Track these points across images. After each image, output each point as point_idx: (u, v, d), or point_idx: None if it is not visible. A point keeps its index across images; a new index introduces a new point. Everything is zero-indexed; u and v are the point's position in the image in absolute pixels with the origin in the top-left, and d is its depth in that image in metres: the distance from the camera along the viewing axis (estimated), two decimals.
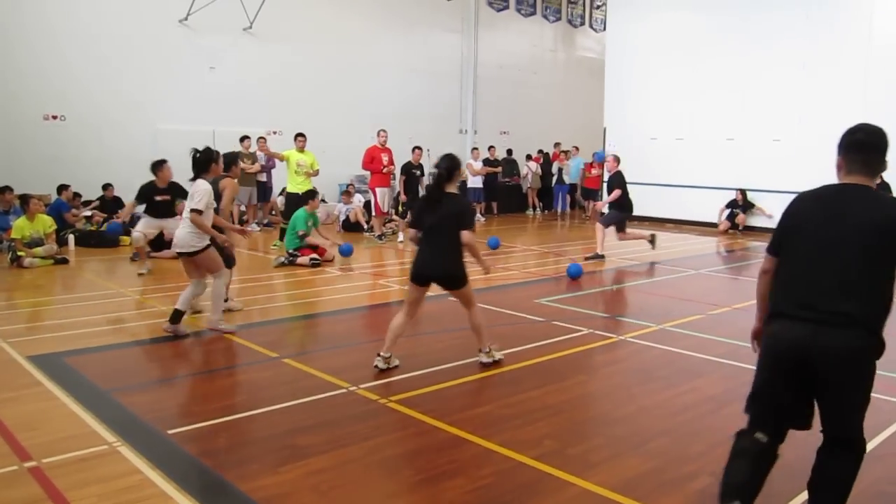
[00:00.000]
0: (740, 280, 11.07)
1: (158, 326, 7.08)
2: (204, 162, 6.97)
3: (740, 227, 16.32)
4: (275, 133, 16.31)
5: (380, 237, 13.83)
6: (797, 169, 15.29)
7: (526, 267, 11.45)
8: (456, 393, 5.39)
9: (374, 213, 14.33)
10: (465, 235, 5.66)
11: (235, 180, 8.02)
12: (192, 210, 6.70)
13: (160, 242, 11.63)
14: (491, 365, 5.96)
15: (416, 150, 14.11)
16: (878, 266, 2.99)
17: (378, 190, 13.67)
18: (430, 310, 8.52)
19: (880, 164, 3.07)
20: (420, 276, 5.81)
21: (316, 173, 12.67)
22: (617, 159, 12.09)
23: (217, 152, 7.23)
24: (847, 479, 3.18)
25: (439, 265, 5.77)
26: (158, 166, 10.25)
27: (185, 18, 15.45)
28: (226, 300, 7.59)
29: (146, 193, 10.35)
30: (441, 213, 5.68)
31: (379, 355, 5.79)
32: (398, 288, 9.57)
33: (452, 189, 5.81)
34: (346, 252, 11.71)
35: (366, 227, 14.94)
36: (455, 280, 5.88)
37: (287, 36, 17.11)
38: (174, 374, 5.97)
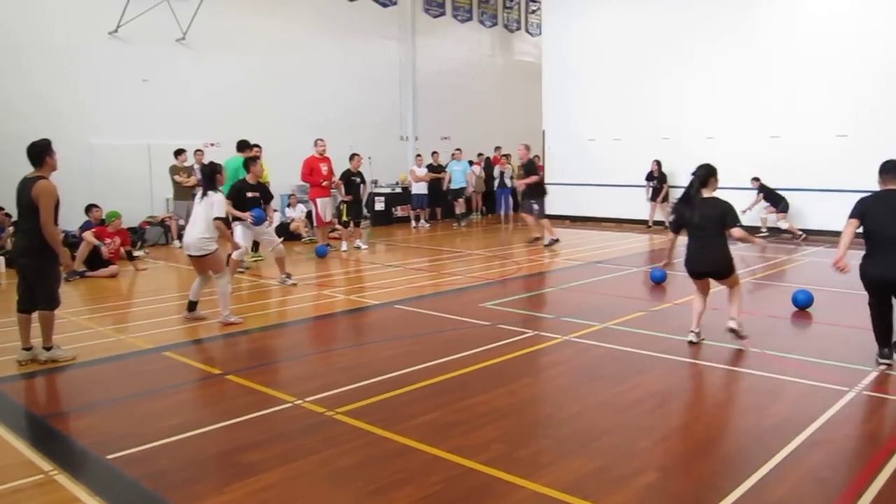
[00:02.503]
0: (678, 276, 11.30)
1: (96, 348, 6.90)
2: (212, 175, 8.04)
3: (667, 200, 16.84)
4: (212, 145, 16.03)
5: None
6: (732, 166, 15.71)
7: (471, 271, 11.48)
8: (403, 401, 5.36)
9: (315, 224, 14.23)
10: (737, 231, 6.44)
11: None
12: (216, 218, 7.80)
13: (96, 261, 11.34)
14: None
15: (356, 157, 14.04)
16: None
17: (319, 201, 13.53)
18: (375, 318, 8.50)
19: None
20: (693, 273, 6.75)
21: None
22: (528, 148, 13.41)
23: (220, 165, 8.36)
24: None
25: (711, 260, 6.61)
26: (252, 162, 10.11)
27: (116, 30, 15.08)
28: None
29: (239, 191, 9.92)
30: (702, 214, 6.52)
31: (691, 332, 6.75)
32: (342, 298, 9.50)
33: (708, 194, 6.58)
34: (322, 253, 12.13)
35: (305, 237, 14.91)
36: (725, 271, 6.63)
37: (222, 46, 16.84)
38: (113, 397, 5.79)
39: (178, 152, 14.71)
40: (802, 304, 8.31)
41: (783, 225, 14.94)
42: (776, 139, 15.39)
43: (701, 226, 6.50)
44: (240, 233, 9.88)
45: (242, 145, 12.14)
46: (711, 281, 6.76)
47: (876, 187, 5.97)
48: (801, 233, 14.65)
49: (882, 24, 14.44)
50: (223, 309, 7.97)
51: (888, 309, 5.95)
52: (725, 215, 6.41)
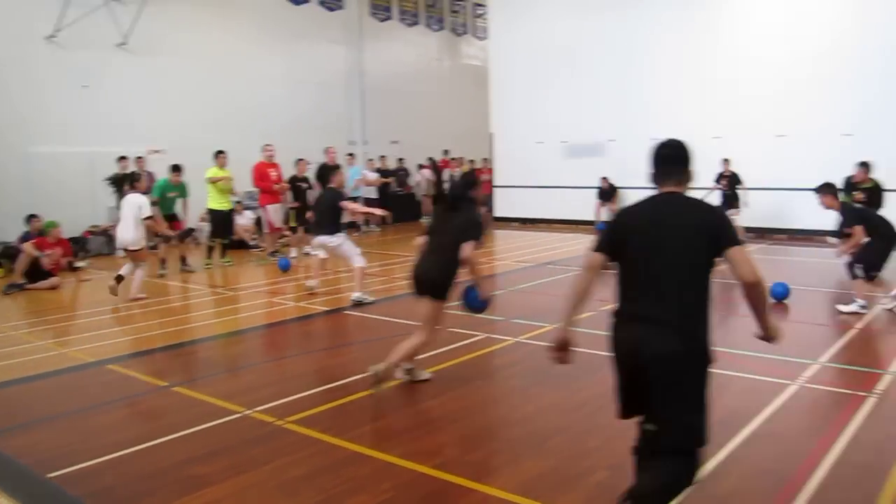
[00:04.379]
0: None
1: (37, 363, 6.71)
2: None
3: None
4: (157, 152, 15.73)
5: (272, 254, 13.55)
6: None
7: None
8: (354, 408, 5.32)
9: (266, 230, 14.10)
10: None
11: None
12: (146, 218, 9.74)
13: (36, 273, 11.03)
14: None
15: (301, 162, 13.94)
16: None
17: (270, 207, 13.41)
18: (326, 325, 8.43)
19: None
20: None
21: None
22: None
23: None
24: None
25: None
26: (333, 171, 9.94)
27: (53, 35, 14.69)
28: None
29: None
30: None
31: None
32: (293, 305, 9.40)
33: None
34: (284, 266, 12.03)
35: (251, 244, 14.77)
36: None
37: (165, 51, 16.51)
38: (54, 413, 5.62)
39: (120, 159, 14.40)
40: (780, 297, 8.36)
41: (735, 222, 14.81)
42: (718, 139, 15.75)
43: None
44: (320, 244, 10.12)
45: (175, 168, 12.27)
46: None
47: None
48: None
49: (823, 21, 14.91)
50: (139, 292, 9.77)
51: None
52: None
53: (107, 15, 15.20)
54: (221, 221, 12.83)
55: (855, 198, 10.25)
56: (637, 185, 15.25)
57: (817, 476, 3.97)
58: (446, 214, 5.87)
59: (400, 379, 5.78)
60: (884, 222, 8.00)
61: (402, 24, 23.16)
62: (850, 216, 8.01)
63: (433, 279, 5.62)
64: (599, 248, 3.32)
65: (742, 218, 13.96)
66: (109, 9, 15.24)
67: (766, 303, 3.20)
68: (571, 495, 3.85)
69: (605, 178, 17.40)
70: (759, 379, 5.75)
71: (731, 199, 14.34)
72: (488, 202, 20.85)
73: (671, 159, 3.38)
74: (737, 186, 14.39)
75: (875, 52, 14.19)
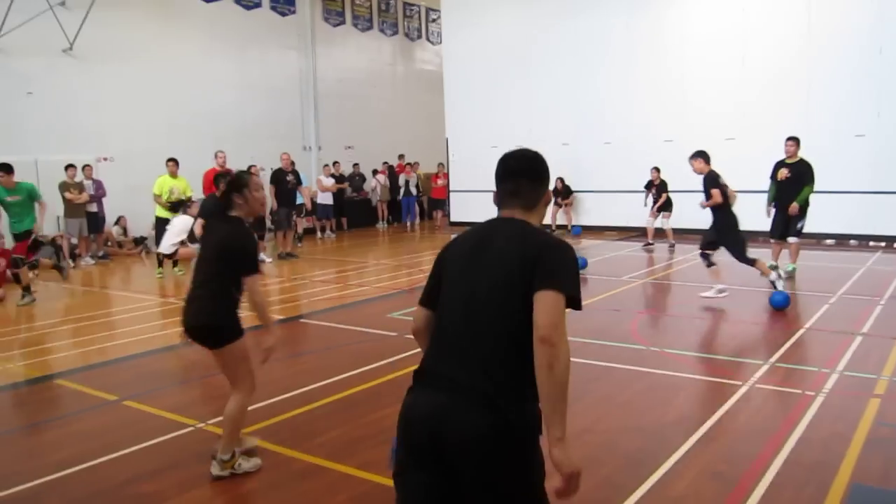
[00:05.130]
0: (590, 278, 11.59)
1: None
2: None
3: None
4: (105, 160, 15.42)
5: None
6: (627, 171, 16.28)
7: (378, 281, 11.43)
8: (309, 418, 5.26)
9: None
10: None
11: None
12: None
13: None
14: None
15: (253, 168, 13.78)
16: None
17: None
18: (281, 334, 8.31)
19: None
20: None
21: (188, 199, 12.57)
22: None
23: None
24: None
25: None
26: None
27: None
28: None
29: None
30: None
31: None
32: (246, 314, 9.25)
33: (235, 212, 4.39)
34: None
35: None
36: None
37: (112, 56, 16.16)
38: None
39: (68, 167, 14.07)
40: (779, 306, 8.36)
41: (667, 226, 14.62)
42: (670, 143, 16.01)
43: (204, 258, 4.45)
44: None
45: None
46: None
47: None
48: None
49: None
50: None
51: None
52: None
53: (52, 20, 14.84)
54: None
55: (781, 175, 10.47)
56: (591, 189, 15.65)
57: (768, 476, 4.04)
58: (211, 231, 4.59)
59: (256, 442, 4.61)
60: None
61: (355, 28, 23.08)
62: (710, 181, 8.91)
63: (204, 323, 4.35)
64: (421, 299, 2.60)
65: (673, 221, 14.24)
66: (54, 14, 14.87)
67: (561, 391, 2.11)
68: None
69: (559, 179, 17.45)
70: (712, 380, 5.84)
71: (664, 207, 14.45)
72: (444, 207, 20.94)
73: (518, 173, 2.55)
74: (663, 192, 14.46)
75: (826, 54, 14.61)
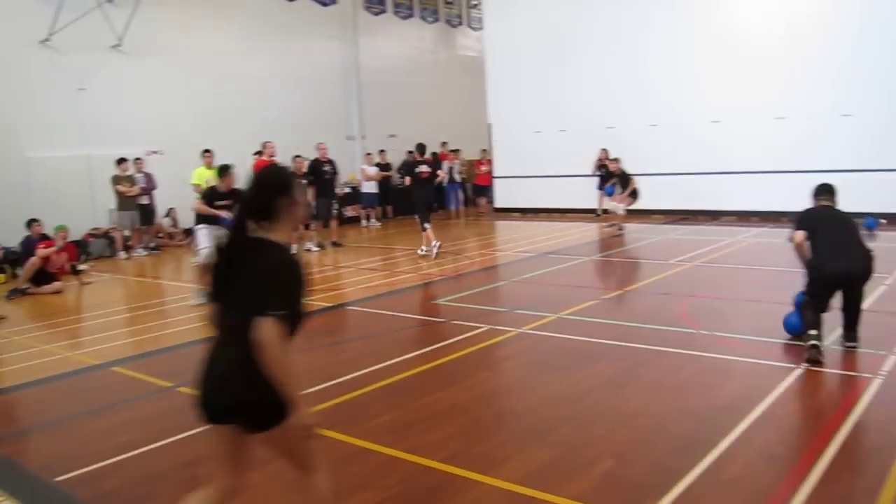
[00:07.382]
0: (627, 263, 11.47)
1: (41, 367, 6.71)
2: None
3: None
4: (155, 153, 15.72)
5: None
6: (674, 153, 16.03)
7: (424, 268, 11.46)
8: (359, 403, 5.32)
9: None
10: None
11: None
12: None
13: (40, 277, 11.01)
14: None
15: (297, 159, 13.90)
16: None
17: None
18: (329, 321, 8.42)
19: None
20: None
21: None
22: None
23: None
24: None
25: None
26: (226, 171, 9.72)
27: (48, 39, 14.64)
28: None
29: (208, 197, 9.66)
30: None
31: None
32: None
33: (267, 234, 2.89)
34: None
35: None
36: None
37: (160, 51, 16.45)
38: (60, 417, 5.62)
39: (120, 161, 14.39)
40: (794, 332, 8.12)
41: (620, 209, 14.43)
42: (717, 123, 15.68)
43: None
44: (203, 235, 9.71)
45: None
46: None
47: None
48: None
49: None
50: None
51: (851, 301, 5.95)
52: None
53: (100, 17, 15.15)
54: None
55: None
56: (638, 172, 15.43)
57: (824, 459, 3.96)
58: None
59: None
60: None
61: (396, 17, 23.08)
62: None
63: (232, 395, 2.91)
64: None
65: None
66: (103, 11, 15.18)
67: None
68: (577, 484, 3.84)
69: (604, 150, 16.55)
70: (765, 363, 5.73)
71: (621, 182, 14.34)
72: (487, 194, 20.83)
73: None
74: (612, 174, 14.53)
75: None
